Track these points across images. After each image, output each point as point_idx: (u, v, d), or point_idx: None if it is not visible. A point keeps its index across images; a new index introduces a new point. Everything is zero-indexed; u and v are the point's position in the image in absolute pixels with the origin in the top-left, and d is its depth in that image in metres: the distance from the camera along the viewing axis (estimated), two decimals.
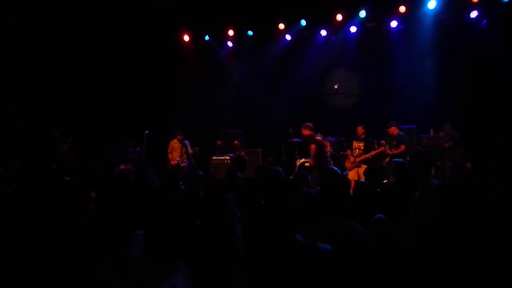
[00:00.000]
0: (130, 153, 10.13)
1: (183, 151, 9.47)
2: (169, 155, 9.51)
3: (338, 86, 10.29)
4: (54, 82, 10.92)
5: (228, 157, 9.89)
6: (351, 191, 3.87)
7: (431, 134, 8.90)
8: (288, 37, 10.74)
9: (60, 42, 10.92)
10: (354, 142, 8.16)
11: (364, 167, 7.65)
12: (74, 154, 9.92)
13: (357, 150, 8.08)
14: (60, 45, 10.94)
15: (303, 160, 9.21)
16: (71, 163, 9.10)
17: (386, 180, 6.33)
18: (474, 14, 9.12)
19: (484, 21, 9.17)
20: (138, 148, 10.12)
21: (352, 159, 8.08)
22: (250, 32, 10.86)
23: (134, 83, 11.16)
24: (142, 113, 10.77)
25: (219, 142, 10.39)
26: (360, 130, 8.15)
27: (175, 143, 9.52)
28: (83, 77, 11.33)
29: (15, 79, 10.26)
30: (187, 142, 9.54)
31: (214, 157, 10.02)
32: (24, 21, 10.32)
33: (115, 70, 11.30)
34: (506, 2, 8.65)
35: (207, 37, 11.18)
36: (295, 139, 9.55)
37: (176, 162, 9.32)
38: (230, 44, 11.31)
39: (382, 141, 8.27)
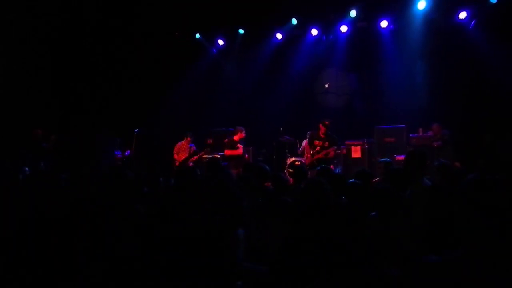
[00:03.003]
0: (118, 153, 9.96)
1: (191, 153, 9.29)
2: (175, 156, 9.30)
3: (328, 85, 10.33)
4: (43, 79, 10.75)
5: (218, 156, 9.85)
6: None
7: (420, 134, 8.98)
8: (279, 35, 10.74)
9: (49, 39, 10.76)
10: (315, 141, 7.85)
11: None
12: (58, 153, 9.59)
13: (318, 148, 7.84)
14: (49, 41, 10.79)
15: (293, 158, 9.23)
16: (54, 163, 8.81)
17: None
18: (463, 15, 9.23)
19: (473, 22, 9.27)
20: (127, 152, 9.89)
21: (309, 157, 7.87)
22: (241, 31, 10.84)
23: (124, 81, 11.06)
24: (132, 112, 10.68)
25: (209, 141, 10.35)
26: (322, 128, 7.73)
27: (183, 145, 9.35)
28: (72, 75, 11.18)
29: (4, 76, 10.09)
30: (193, 145, 9.37)
31: (204, 156, 9.98)
32: (16, 18, 10.16)
33: (104, 68, 11.18)
34: (494, 3, 8.75)
35: (198, 35, 11.13)
36: (286, 138, 9.57)
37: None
38: (221, 42, 11.27)
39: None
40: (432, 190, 2.47)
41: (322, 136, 7.64)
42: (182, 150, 9.31)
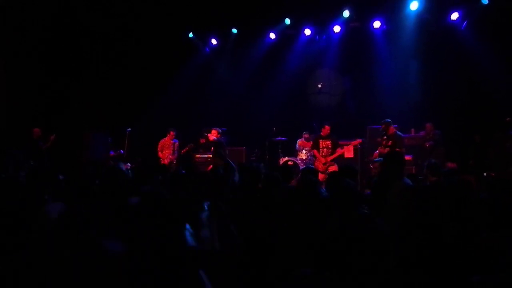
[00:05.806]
0: (111, 151, 9.91)
1: (175, 149, 9.26)
2: (159, 154, 9.19)
3: (322, 85, 10.35)
4: (34, 77, 10.70)
5: (211, 155, 9.82)
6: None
7: (413, 134, 9.01)
8: (272, 35, 10.74)
9: (41, 36, 10.71)
10: (320, 140, 7.93)
11: (334, 166, 7.69)
12: (54, 152, 9.54)
13: (325, 149, 7.87)
14: (41, 40, 10.73)
15: (286, 158, 9.23)
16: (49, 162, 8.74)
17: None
18: (455, 16, 9.27)
19: (465, 22, 9.32)
20: (122, 151, 9.82)
21: (323, 160, 7.84)
22: (234, 30, 10.83)
23: (117, 80, 11.00)
24: (124, 111, 10.63)
25: (202, 140, 10.31)
26: (327, 129, 7.90)
27: (167, 141, 9.29)
28: (63, 75, 11.13)
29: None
30: (176, 141, 9.34)
31: (197, 155, 9.96)
32: (5, 14, 10.11)
33: (96, 66, 11.14)
34: (486, 5, 8.79)
35: (191, 34, 11.11)
36: (279, 138, 9.57)
37: (169, 160, 9.09)
38: (214, 41, 11.26)
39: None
40: (412, 190, 2.48)
41: (325, 136, 7.83)
42: (166, 147, 9.20)
